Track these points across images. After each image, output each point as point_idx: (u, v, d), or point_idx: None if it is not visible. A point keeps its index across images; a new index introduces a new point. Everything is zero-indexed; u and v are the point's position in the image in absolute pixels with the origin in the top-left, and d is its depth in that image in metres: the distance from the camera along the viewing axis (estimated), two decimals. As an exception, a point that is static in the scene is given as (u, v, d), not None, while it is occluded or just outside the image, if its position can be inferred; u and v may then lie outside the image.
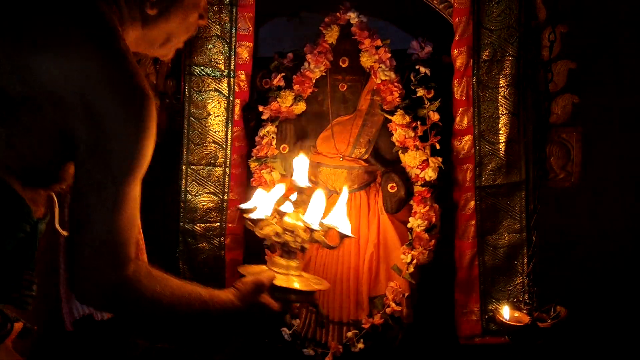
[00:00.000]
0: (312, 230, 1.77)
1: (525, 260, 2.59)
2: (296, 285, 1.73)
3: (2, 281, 1.36)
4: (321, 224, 1.77)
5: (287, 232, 1.77)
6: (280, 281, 1.72)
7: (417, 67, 2.66)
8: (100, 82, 1.27)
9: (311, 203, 1.83)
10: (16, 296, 1.39)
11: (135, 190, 1.35)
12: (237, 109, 2.65)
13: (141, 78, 1.34)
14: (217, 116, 2.64)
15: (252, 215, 1.82)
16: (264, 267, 1.78)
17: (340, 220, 1.82)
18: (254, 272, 1.72)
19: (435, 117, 2.63)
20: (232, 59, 2.64)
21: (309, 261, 2.72)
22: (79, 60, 1.27)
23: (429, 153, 2.63)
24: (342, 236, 1.80)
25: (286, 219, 1.79)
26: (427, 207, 2.63)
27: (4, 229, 1.33)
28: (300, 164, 1.94)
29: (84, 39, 1.29)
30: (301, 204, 1.82)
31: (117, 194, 1.31)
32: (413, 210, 2.66)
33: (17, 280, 1.38)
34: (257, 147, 2.71)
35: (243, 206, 1.88)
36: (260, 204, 1.86)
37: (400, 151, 2.65)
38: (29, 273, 1.41)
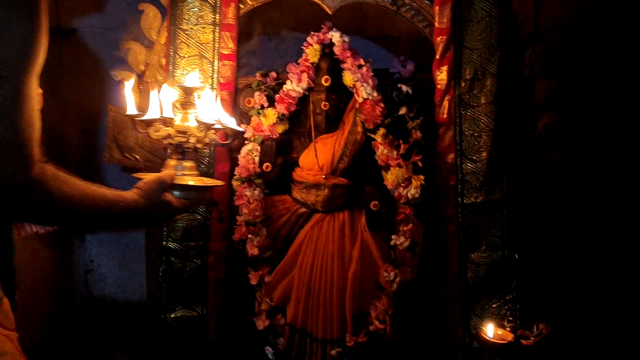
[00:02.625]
0: (207, 129, 1.81)
1: (508, 277, 2.59)
2: (191, 183, 1.79)
3: None
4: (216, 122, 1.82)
5: (179, 134, 1.81)
6: (178, 179, 1.77)
7: (399, 85, 2.68)
8: None
9: (201, 103, 1.88)
10: None
11: (32, 88, 1.31)
12: (219, 127, 2.64)
13: None
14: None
15: (143, 118, 1.85)
16: (157, 173, 1.82)
17: (228, 118, 1.90)
18: (151, 176, 1.76)
19: (417, 135, 2.63)
20: (215, 78, 2.63)
21: (293, 277, 2.72)
22: None
23: (411, 171, 2.63)
24: (235, 133, 1.92)
25: (177, 121, 1.83)
26: (410, 225, 2.63)
27: None
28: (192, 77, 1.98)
29: None
30: (188, 105, 1.85)
31: (13, 94, 1.27)
32: (396, 228, 2.66)
33: None
34: (240, 166, 2.69)
35: (128, 112, 1.91)
36: (151, 108, 1.88)
37: (382, 169, 2.65)
38: None
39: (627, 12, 2.98)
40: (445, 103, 2.64)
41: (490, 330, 2.42)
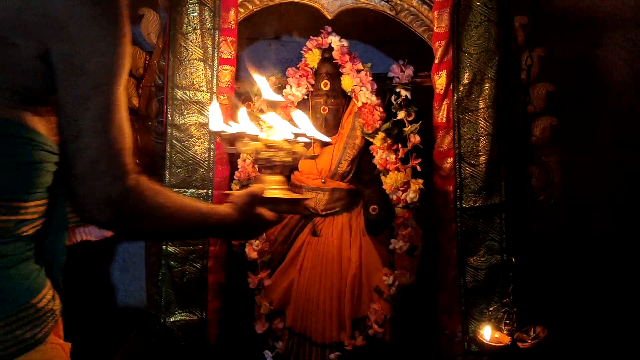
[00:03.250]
0: (293, 143, 1.80)
1: (506, 281, 2.58)
2: (283, 196, 1.76)
3: (57, 211, 1.37)
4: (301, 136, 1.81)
5: (268, 149, 1.80)
6: (268, 193, 1.74)
7: (397, 90, 2.69)
8: None
9: (294, 118, 1.84)
10: (73, 217, 1.40)
11: (121, 98, 1.31)
12: (219, 131, 2.64)
13: None
14: (200, 139, 2.64)
15: (228, 131, 1.82)
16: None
17: (315, 131, 1.86)
18: (240, 194, 1.73)
19: (416, 139, 2.65)
20: (215, 83, 2.63)
21: (292, 281, 2.72)
22: None
23: (410, 175, 2.64)
24: (323, 144, 1.90)
25: (264, 136, 1.82)
26: (409, 229, 2.63)
27: (38, 167, 1.32)
28: (263, 82, 1.95)
29: None
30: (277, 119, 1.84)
31: (104, 103, 1.27)
32: (395, 232, 2.67)
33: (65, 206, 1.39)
34: (239, 170, 2.70)
35: (213, 128, 1.85)
36: (237, 125, 1.86)
37: (381, 173, 2.66)
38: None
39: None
40: (444, 107, 2.64)
41: (487, 333, 2.42)
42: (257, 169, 1.98)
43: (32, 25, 1.24)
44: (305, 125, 1.87)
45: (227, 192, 1.83)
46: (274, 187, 1.79)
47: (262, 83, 1.92)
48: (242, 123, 1.85)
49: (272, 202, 1.75)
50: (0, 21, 1.24)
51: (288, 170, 1.89)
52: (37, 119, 1.32)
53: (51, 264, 1.45)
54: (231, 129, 1.84)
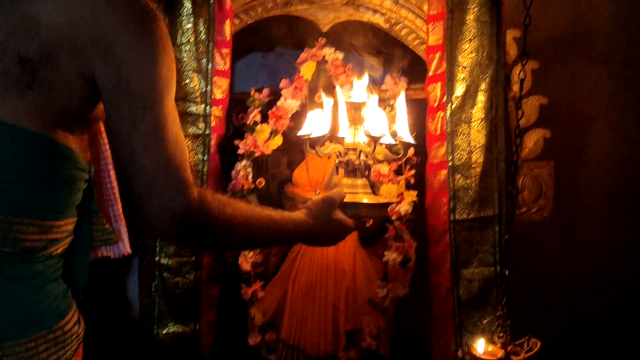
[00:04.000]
0: (375, 143, 1.77)
1: (499, 293, 2.58)
2: (365, 200, 1.75)
3: (79, 229, 1.37)
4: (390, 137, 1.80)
5: (349, 151, 1.76)
6: (348, 197, 1.73)
7: (391, 102, 2.70)
8: (107, 15, 1.26)
9: (368, 118, 1.84)
10: (99, 235, 1.42)
11: (173, 112, 1.33)
12: (213, 143, 2.64)
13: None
14: (193, 151, 2.63)
15: (313, 136, 1.81)
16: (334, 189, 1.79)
17: (402, 129, 1.85)
18: (323, 194, 1.74)
19: (409, 151, 2.65)
20: (209, 94, 2.63)
21: (285, 292, 2.72)
22: (83, 1, 1.25)
23: (403, 187, 2.65)
24: (407, 146, 1.87)
25: (347, 138, 1.78)
26: (403, 241, 2.64)
27: (70, 186, 1.32)
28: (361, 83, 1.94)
29: None
30: (358, 121, 1.80)
31: (154, 120, 1.28)
32: (388, 244, 2.67)
33: (91, 224, 1.39)
34: (233, 182, 2.70)
35: (301, 133, 1.86)
36: (317, 127, 1.83)
37: (375, 185, 2.64)
38: (97, 215, 1.42)
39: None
40: (438, 119, 2.65)
41: (480, 346, 2.41)
42: (337, 172, 1.94)
43: (76, 45, 1.25)
44: (389, 126, 1.85)
45: (307, 197, 1.80)
46: (356, 191, 1.76)
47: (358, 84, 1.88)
48: (322, 124, 1.81)
49: (353, 207, 1.74)
50: (45, 40, 1.24)
51: (368, 172, 1.83)
52: (71, 136, 1.33)
53: (75, 284, 1.44)
54: (316, 132, 1.80)
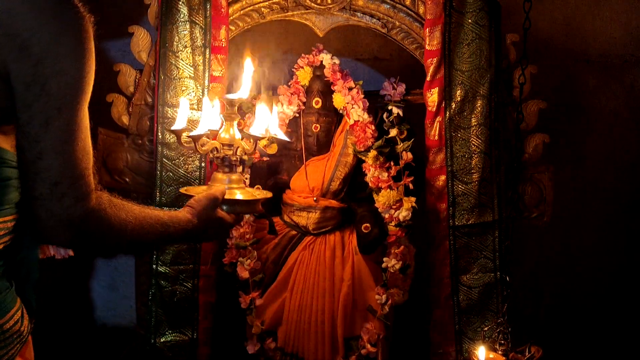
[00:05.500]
0: (256, 140, 1.82)
1: (500, 299, 2.58)
2: (239, 196, 1.78)
3: (25, 226, 1.35)
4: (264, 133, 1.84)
5: (225, 147, 1.80)
6: (226, 195, 1.76)
7: (389, 107, 2.68)
8: (25, 12, 1.21)
9: (256, 114, 1.87)
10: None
11: (84, 118, 1.29)
12: (210, 150, 2.62)
13: None
14: (190, 157, 2.62)
15: (192, 134, 1.82)
16: (205, 187, 1.86)
17: (277, 129, 1.89)
18: (199, 192, 1.77)
19: (408, 157, 2.63)
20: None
21: (284, 300, 2.70)
22: None
23: (402, 193, 2.62)
24: (281, 142, 1.95)
25: (222, 134, 1.82)
26: (402, 247, 2.62)
27: (4, 185, 1.30)
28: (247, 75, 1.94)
29: None
30: (233, 117, 1.83)
31: (67, 123, 1.25)
32: (387, 251, 2.65)
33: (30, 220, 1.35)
34: (230, 188, 2.67)
35: (175, 127, 1.88)
36: (195, 123, 1.87)
37: (373, 191, 2.65)
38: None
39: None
40: (436, 125, 2.64)
41: (482, 353, 2.39)
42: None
43: None
44: (266, 123, 1.88)
45: (187, 192, 1.81)
46: (231, 187, 1.80)
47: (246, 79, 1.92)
48: (202, 121, 1.86)
49: (231, 204, 1.77)
50: None
51: (244, 167, 1.87)
52: (2, 136, 1.29)
53: (24, 281, 1.42)
54: (196, 130, 1.84)
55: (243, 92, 1.90)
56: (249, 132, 1.83)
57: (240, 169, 1.86)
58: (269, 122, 1.87)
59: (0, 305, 1.32)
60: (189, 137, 1.84)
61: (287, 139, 1.95)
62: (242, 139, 1.85)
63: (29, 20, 1.21)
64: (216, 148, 1.82)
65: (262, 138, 1.86)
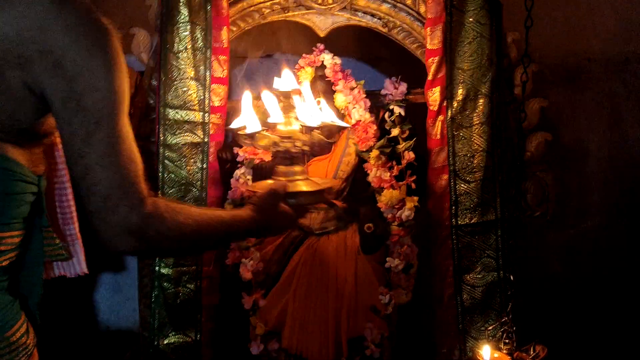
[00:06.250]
0: (310, 130, 1.80)
1: (503, 298, 2.57)
2: (303, 188, 1.78)
3: (29, 243, 1.38)
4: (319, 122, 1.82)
5: (284, 140, 1.78)
6: (289, 187, 1.76)
7: (391, 107, 2.68)
8: (57, 29, 1.25)
9: (300, 104, 1.85)
10: (50, 251, 1.44)
11: (125, 127, 1.33)
12: (211, 151, 2.63)
13: (97, 14, 1.31)
14: (192, 159, 2.61)
15: (246, 132, 1.83)
16: (269, 181, 1.83)
17: (332, 115, 1.87)
18: (264, 187, 1.78)
19: (410, 156, 2.63)
20: (207, 102, 2.61)
21: (287, 301, 2.69)
22: (32, 13, 1.24)
23: (405, 192, 2.63)
24: (340, 129, 1.95)
25: (280, 127, 1.80)
26: (405, 247, 2.62)
27: (16, 198, 1.33)
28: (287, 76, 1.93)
29: None
30: (289, 109, 1.82)
31: (107, 135, 1.28)
32: (390, 250, 2.65)
33: (42, 238, 1.40)
34: (232, 189, 2.68)
35: (233, 126, 1.89)
36: (249, 120, 1.86)
37: (376, 191, 2.65)
38: (48, 229, 1.44)
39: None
40: (438, 124, 2.63)
41: (486, 352, 2.38)
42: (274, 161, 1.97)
43: (24, 57, 1.25)
44: (322, 113, 1.86)
45: (252, 189, 1.82)
46: (295, 178, 1.78)
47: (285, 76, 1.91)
48: (251, 120, 1.84)
49: (295, 196, 1.76)
50: None
51: (306, 159, 1.85)
52: (18, 149, 1.33)
53: (27, 297, 1.43)
54: (250, 126, 1.83)
55: (292, 83, 1.91)
56: (303, 122, 1.81)
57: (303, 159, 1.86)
58: (323, 110, 1.86)
59: (5, 318, 1.35)
60: (245, 135, 1.83)
61: (344, 124, 1.92)
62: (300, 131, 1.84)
63: (61, 37, 1.25)
64: (275, 142, 1.81)
65: (318, 128, 1.84)
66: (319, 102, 1.94)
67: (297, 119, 1.84)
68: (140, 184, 1.32)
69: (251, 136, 1.83)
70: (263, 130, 1.84)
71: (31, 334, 1.40)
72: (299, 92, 1.90)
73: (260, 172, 2.71)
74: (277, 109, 1.85)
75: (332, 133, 2.49)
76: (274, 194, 1.71)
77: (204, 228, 1.49)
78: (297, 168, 1.82)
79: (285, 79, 1.95)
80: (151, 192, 1.37)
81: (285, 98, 1.85)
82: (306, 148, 1.83)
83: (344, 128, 1.93)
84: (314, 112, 1.86)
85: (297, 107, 1.86)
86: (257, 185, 1.85)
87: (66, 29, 1.25)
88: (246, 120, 1.87)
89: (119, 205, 1.28)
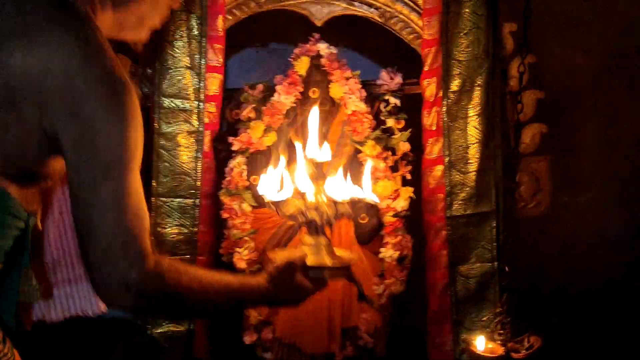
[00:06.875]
0: (336, 203, 1.77)
1: (498, 289, 2.57)
2: (328, 261, 1.73)
3: (6, 278, 1.36)
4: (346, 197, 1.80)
5: (311, 210, 1.76)
6: (311, 259, 1.71)
7: (386, 97, 2.68)
8: (81, 77, 1.25)
9: (331, 178, 1.83)
10: (25, 290, 1.40)
11: (135, 182, 1.31)
12: (206, 140, 2.62)
13: (120, 68, 1.32)
14: (187, 148, 2.61)
15: (274, 198, 1.81)
16: (293, 249, 1.82)
17: (364, 189, 1.83)
18: (283, 256, 1.72)
19: (405, 147, 2.63)
20: (202, 91, 2.60)
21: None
22: (58, 57, 1.25)
23: (399, 183, 2.63)
24: (368, 205, 1.93)
25: (308, 196, 1.78)
26: (399, 238, 2.62)
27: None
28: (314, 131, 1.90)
29: (61, 33, 1.27)
30: (320, 178, 1.80)
31: (115, 187, 1.27)
32: (384, 241, 2.64)
33: (20, 276, 1.38)
34: (227, 179, 2.67)
35: (261, 191, 1.85)
36: (278, 185, 1.84)
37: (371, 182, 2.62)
38: (27, 268, 1.40)
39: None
40: (434, 115, 2.63)
41: (480, 343, 2.40)
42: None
43: (43, 98, 1.25)
44: (352, 187, 1.85)
45: (269, 254, 1.79)
46: (319, 252, 1.74)
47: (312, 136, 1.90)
48: (286, 184, 1.82)
49: (316, 270, 1.71)
50: (12, 83, 1.25)
51: (332, 228, 1.81)
52: (13, 184, 1.32)
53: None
54: (279, 194, 1.81)
55: (326, 153, 1.88)
56: (329, 194, 1.79)
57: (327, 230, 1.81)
58: (352, 186, 1.84)
59: None
60: (271, 203, 1.81)
61: (377, 200, 1.91)
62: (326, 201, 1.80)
63: (83, 86, 1.26)
64: (301, 211, 1.78)
65: (344, 203, 1.82)
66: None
67: (325, 191, 1.81)
68: (144, 240, 1.30)
69: (277, 201, 1.80)
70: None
71: (8, 342, 1.39)
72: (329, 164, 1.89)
73: (256, 161, 2.70)
74: (307, 177, 1.83)
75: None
76: (291, 266, 1.66)
77: (208, 293, 1.45)
78: (323, 240, 1.78)
79: (319, 149, 1.91)
80: (156, 250, 1.34)
81: (317, 167, 1.83)
82: (333, 221, 1.81)
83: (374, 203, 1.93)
84: (344, 186, 1.84)
85: (327, 179, 1.84)
86: (277, 253, 1.79)
87: (89, 78, 1.26)
88: (274, 184, 1.85)
89: (119, 260, 1.26)
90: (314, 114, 1.96)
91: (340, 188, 1.81)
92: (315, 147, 1.88)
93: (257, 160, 2.71)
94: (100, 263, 1.27)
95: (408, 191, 2.62)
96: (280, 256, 1.74)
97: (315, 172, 1.82)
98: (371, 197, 1.87)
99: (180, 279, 1.38)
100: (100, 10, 1.45)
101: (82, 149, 1.26)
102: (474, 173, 2.60)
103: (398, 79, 2.69)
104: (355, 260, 1.84)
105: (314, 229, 1.76)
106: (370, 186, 1.91)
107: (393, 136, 2.65)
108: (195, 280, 1.42)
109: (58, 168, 1.36)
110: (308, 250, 1.75)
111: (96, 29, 1.33)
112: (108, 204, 1.26)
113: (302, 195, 1.80)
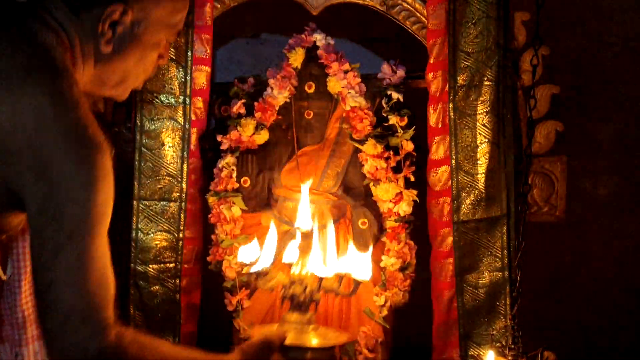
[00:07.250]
0: (321, 278, 1.71)
1: (509, 300, 2.47)
2: (313, 342, 1.66)
3: None
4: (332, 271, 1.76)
5: (295, 284, 1.70)
6: (293, 339, 1.64)
7: (388, 92, 2.56)
8: (52, 134, 1.24)
9: (315, 246, 1.78)
10: None
11: (101, 247, 1.29)
12: (193, 138, 2.53)
13: (95, 127, 1.29)
14: (172, 147, 2.52)
15: (253, 269, 1.75)
16: (274, 325, 1.75)
17: (355, 264, 1.78)
18: (260, 333, 1.65)
19: (409, 146, 2.52)
20: (188, 85, 2.52)
21: (274, 302, 2.57)
22: (29, 110, 1.23)
23: (402, 185, 2.52)
24: (357, 283, 1.78)
25: (293, 269, 1.72)
26: (401, 244, 2.51)
27: None
28: (304, 205, 1.88)
29: (34, 84, 1.25)
30: (307, 250, 1.75)
31: (79, 252, 1.24)
32: (386, 248, 2.54)
33: None
34: (215, 180, 2.57)
35: (242, 260, 1.81)
36: (261, 254, 1.78)
37: (371, 184, 2.54)
38: None
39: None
40: (440, 111, 2.51)
41: (490, 358, 2.29)
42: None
43: (10, 152, 1.23)
44: (340, 262, 1.80)
45: (247, 332, 1.73)
46: (301, 329, 1.68)
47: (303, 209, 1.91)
48: (263, 255, 1.77)
49: (297, 351, 1.64)
50: None
51: (317, 306, 1.77)
52: None
53: None
54: (258, 264, 1.75)
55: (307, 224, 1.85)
56: (313, 271, 1.73)
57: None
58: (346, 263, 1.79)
59: None
60: (249, 273, 1.78)
61: (366, 278, 1.86)
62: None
63: (53, 143, 1.24)
64: (283, 285, 1.73)
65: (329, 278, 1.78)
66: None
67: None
68: (106, 310, 1.25)
69: (258, 273, 1.74)
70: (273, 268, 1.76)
71: None
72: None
73: (246, 161, 2.61)
74: (295, 248, 1.78)
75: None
76: (267, 345, 1.59)
77: None
78: (306, 316, 1.71)
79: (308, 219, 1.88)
80: (119, 322, 1.29)
81: (306, 238, 1.75)
82: (317, 297, 1.73)
83: (362, 282, 1.87)
84: (332, 260, 1.79)
85: (313, 252, 1.79)
86: (254, 329, 1.76)
87: (60, 137, 1.24)
88: (255, 253, 1.80)
89: (78, 330, 1.22)
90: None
91: (326, 262, 1.76)
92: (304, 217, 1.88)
93: (248, 160, 2.61)
94: (58, 331, 1.23)
95: (411, 194, 2.51)
96: (257, 332, 1.69)
97: (303, 242, 1.79)
98: (359, 276, 1.80)
99: (143, 354, 1.33)
100: (81, 63, 1.43)
101: (47, 211, 1.24)
102: (483, 174, 2.48)
103: (401, 72, 2.57)
104: (344, 342, 1.77)
105: (297, 304, 1.68)
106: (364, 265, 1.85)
107: (395, 134, 2.54)
108: (159, 354, 1.37)
109: (15, 223, 1.37)
110: (289, 328, 1.68)
111: (73, 83, 1.31)
112: (70, 270, 1.23)
113: (285, 268, 1.74)
